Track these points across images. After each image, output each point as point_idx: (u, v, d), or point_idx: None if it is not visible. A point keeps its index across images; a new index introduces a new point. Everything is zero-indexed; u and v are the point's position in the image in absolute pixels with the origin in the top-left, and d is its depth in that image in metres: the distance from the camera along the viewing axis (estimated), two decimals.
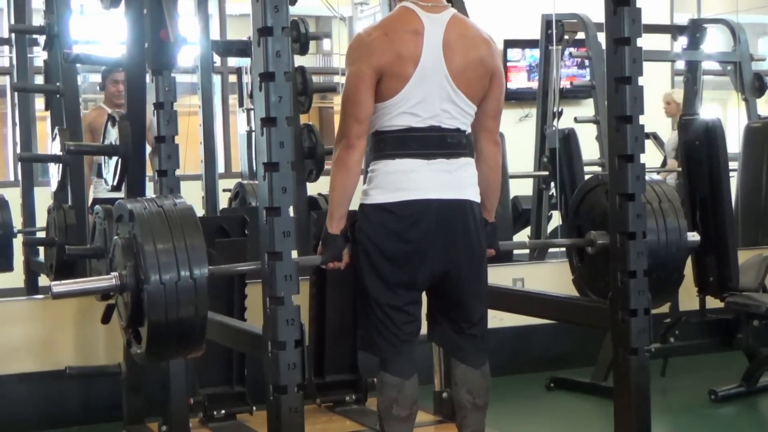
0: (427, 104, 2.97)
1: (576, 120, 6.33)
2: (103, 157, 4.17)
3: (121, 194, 4.00)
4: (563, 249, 6.01)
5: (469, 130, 3.09)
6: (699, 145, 4.67)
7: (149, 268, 2.71)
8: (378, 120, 2.98)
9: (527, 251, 6.31)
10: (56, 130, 4.59)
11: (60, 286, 2.89)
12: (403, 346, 3.01)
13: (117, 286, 2.84)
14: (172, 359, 3.44)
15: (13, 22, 5.29)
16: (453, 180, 2.99)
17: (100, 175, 4.99)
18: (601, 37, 3.49)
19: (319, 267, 3.19)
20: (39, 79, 5.24)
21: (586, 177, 5.95)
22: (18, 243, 5.21)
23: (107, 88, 5.61)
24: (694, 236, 3.40)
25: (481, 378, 3.10)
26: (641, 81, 3.14)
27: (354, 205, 3.02)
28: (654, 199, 3.27)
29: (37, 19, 5.09)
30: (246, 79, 6.37)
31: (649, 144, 6.16)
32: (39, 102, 5.41)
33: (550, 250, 6.25)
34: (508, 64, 8.12)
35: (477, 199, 3.03)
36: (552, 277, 4.80)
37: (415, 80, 2.93)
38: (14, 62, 5.48)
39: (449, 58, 2.95)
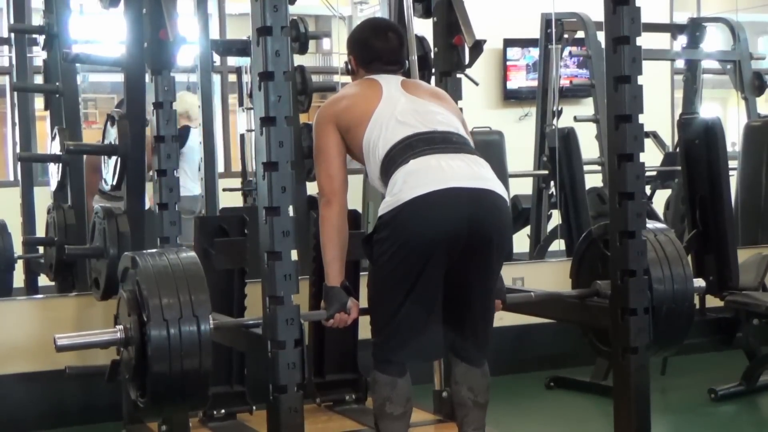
0: (410, 114, 3.03)
1: (575, 119, 6.33)
2: (102, 158, 4.18)
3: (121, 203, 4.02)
4: (563, 249, 6.06)
5: (469, 138, 3.10)
6: (699, 144, 4.67)
7: (153, 322, 2.71)
8: (378, 150, 3.00)
9: (527, 250, 6.32)
10: (56, 130, 4.59)
11: (64, 339, 2.88)
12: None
13: (122, 340, 2.84)
14: (176, 414, 3.46)
15: (12, 21, 5.27)
16: (475, 172, 2.95)
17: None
18: (601, 36, 3.49)
19: (318, 264, 3.18)
20: (38, 79, 5.23)
21: (586, 176, 6.02)
22: (18, 242, 5.20)
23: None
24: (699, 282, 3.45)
25: (482, 377, 3.11)
26: (641, 80, 3.14)
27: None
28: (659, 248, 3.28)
29: (37, 19, 5.08)
30: (246, 78, 6.35)
31: (648, 143, 6.15)
32: (38, 102, 5.40)
33: (550, 249, 6.25)
34: (508, 63, 8.12)
35: (504, 194, 2.99)
36: (552, 277, 4.80)
37: (384, 102, 3.06)
38: (14, 62, 5.46)
39: (408, 88, 3.15)
